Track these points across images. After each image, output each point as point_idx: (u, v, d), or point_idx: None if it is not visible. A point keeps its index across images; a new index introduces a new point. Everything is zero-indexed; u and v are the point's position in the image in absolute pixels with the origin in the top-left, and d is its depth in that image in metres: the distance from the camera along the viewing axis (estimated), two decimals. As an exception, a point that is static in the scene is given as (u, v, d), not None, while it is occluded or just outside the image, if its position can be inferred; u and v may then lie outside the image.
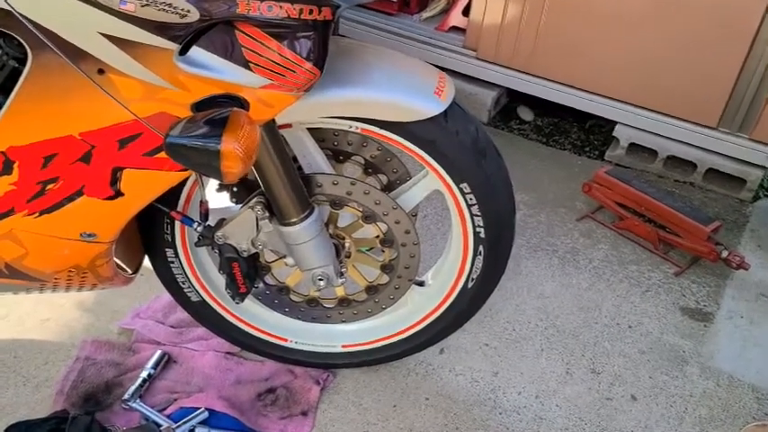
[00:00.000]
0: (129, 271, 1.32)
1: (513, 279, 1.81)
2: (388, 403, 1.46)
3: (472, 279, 1.32)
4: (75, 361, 1.47)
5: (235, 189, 1.30)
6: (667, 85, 2.16)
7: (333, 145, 1.30)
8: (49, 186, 0.97)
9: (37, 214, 1.01)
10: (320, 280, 1.24)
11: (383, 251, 1.31)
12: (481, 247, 1.28)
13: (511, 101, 2.65)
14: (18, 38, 0.83)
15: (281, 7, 0.86)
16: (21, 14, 0.79)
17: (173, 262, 1.33)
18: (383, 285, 1.35)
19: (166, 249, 1.31)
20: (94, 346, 1.51)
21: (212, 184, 1.30)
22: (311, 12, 0.89)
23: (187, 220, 1.22)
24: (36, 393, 1.41)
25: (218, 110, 0.87)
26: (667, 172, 2.30)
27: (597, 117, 2.40)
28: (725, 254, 1.84)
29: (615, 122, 2.33)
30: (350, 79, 1.06)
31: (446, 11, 2.65)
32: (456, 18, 2.58)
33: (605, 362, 1.60)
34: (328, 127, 1.21)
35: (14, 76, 0.88)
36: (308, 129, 1.22)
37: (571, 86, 2.34)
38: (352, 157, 1.33)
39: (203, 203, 1.21)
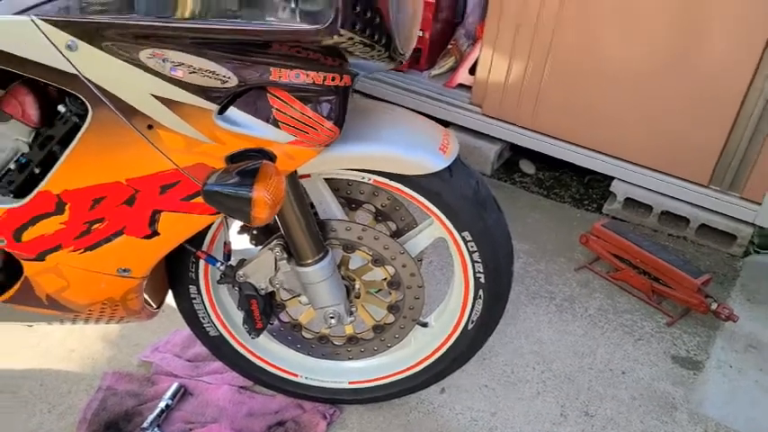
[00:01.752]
0: (154, 306, 1.42)
1: (511, 324, 1.90)
2: (391, 439, 1.54)
3: (472, 321, 1.42)
4: (97, 391, 1.56)
5: (254, 232, 1.42)
6: (662, 145, 2.29)
7: (346, 194, 1.42)
8: (95, 226, 1.09)
9: (81, 250, 1.12)
10: (331, 318, 1.34)
11: (390, 293, 1.41)
12: (481, 291, 1.38)
13: (514, 154, 2.78)
14: (81, 97, 0.96)
15: (307, 75, 0.99)
16: (86, 78, 0.93)
17: (195, 298, 1.44)
18: (389, 325, 1.45)
19: (190, 286, 1.42)
20: (116, 377, 1.60)
21: (234, 226, 1.41)
22: (333, 79, 1.02)
23: (211, 260, 1.34)
24: (60, 421, 1.50)
25: (250, 162, 1.00)
26: (662, 226, 2.41)
27: (596, 172, 2.52)
28: (714, 306, 1.93)
29: (612, 178, 2.45)
30: (364, 136, 1.18)
31: (454, 69, 2.82)
32: (463, 76, 2.74)
33: (598, 405, 1.68)
34: (343, 177, 1.34)
35: (74, 129, 1.01)
36: (325, 179, 1.34)
37: (571, 143, 2.48)
38: (364, 206, 1.45)
39: (227, 244, 1.33)
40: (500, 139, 2.66)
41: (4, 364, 1.62)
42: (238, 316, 1.50)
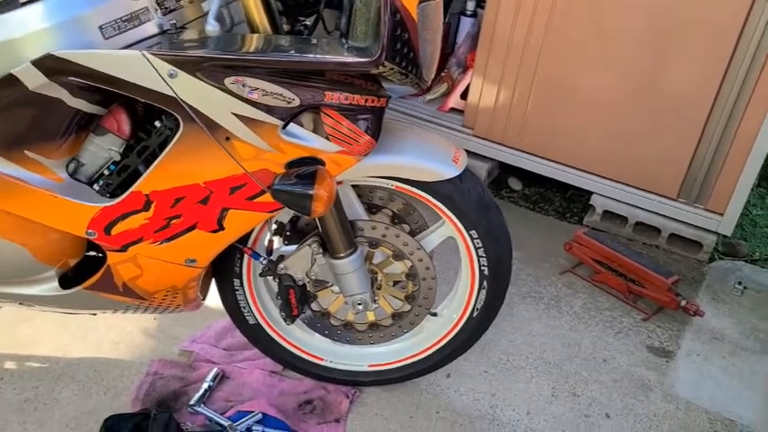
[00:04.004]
0: (201, 297, 1.64)
1: (507, 320, 2.14)
2: (405, 415, 1.76)
3: (477, 309, 1.66)
4: (145, 375, 1.76)
5: (287, 233, 1.64)
6: (636, 162, 2.57)
7: (368, 199, 1.65)
8: (173, 221, 1.31)
9: (159, 242, 1.34)
10: (359, 304, 1.58)
11: (407, 284, 1.64)
12: (485, 282, 1.62)
13: (502, 172, 3.05)
14: (175, 114, 1.19)
15: (353, 97, 1.24)
16: (181, 99, 1.16)
17: (238, 290, 1.66)
18: (406, 313, 1.68)
19: (234, 279, 1.64)
20: (161, 364, 1.80)
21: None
22: (373, 100, 1.27)
23: (255, 255, 1.56)
24: (115, 400, 1.70)
25: (306, 167, 1.24)
26: (636, 236, 2.68)
27: (576, 187, 2.79)
28: (683, 303, 2.19)
29: (592, 192, 2.72)
30: (390, 149, 1.42)
31: (446, 94, 3.08)
32: (455, 101, 3.01)
33: (584, 387, 1.92)
34: (367, 184, 1.57)
35: (165, 141, 1.24)
36: (352, 185, 1.58)
37: (554, 161, 2.74)
38: (383, 210, 1.69)
39: (270, 242, 1.56)
40: (490, 158, 2.91)
41: (62, 354, 1.82)
42: (273, 306, 1.72)
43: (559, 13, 2.49)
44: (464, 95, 2.94)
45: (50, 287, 1.43)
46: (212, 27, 1.09)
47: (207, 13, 1.31)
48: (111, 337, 1.89)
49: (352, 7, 1.20)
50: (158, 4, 1.23)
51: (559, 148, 2.71)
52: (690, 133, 2.43)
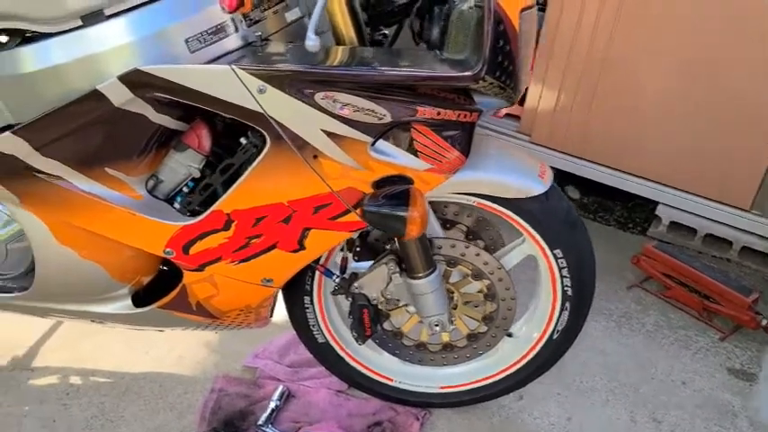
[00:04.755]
0: (270, 314, 1.59)
1: (577, 339, 2.04)
2: (479, 439, 1.69)
3: (557, 331, 1.58)
4: (210, 392, 1.72)
5: (358, 248, 1.58)
6: (706, 171, 2.45)
7: (441, 214, 1.59)
8: (253, 241, 1.26)
9: (236, 262, 1.29)
10: (436, 326, 1.50)
11: (485, 304, 1.57)
12: (567, 303, 1.54)
13: (560, 180, 2.95)
14: (262, 131, 1.13)
15: (445, 113, 1.17)
16: (269, 115, 1.11)
17: (307, 308, 1.60)
18: (482, 334, 1.61)
19: (305, 297, 1.58)
20: (226, 380, 1.76)
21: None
22: (465, 115, 1.20)
23: (328, 273, 1.50)
24: (182, 419, 1.65)
25: (395, 187, 1.17)
26: (706, 248, 2.56)
27: (640, 197, 2.69)
28: (764, 322, 2.07)
29: (656, 202, 2.61)
30: (474, 164, 1.34)
31: (502, 100, 3.00)
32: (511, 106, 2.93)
33: (664, 412, 1.82)
34: (443, 200, 1.50)
35: (249, 158, 1.19)
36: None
37: (617, 169, 2.64)
38: (456, 225, 1.61)
39: (344, 259, 1.50)
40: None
41: (125, 369, 1.79)
42: (341, 324, 1.66)
43: (625, 17, 2.39)
44: (520, 102, 2.86)
45: (124, 305, 1.39)
46: (313, 42, 1.02)
47: (290, 24, 1.26)
48: (174, 352, 1.85)
49: (446, 17, 1.14)
50: (243, 16, 1.17)
51: (623, 156, 2.60)
52: (765, 141, 2.31)
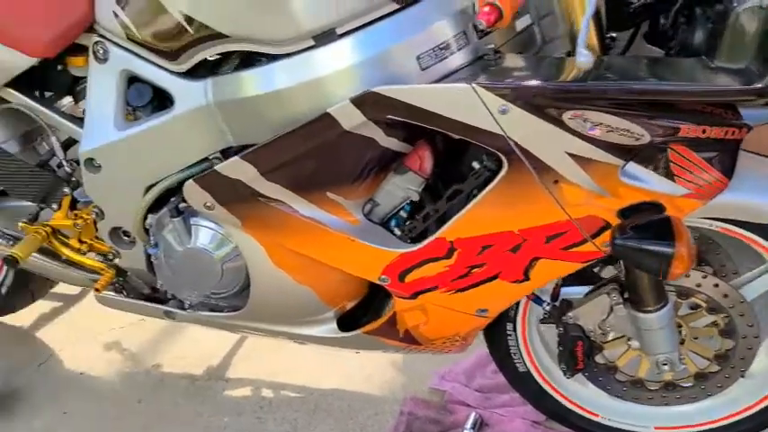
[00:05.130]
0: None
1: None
2: (700, 490, 1.49)
3: (806, 375, 1.35)
4: (400, 414, 1.66)
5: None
6: None
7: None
8: (475, 270, 1.16)
9: (452, 291, 1.20)
10: (664, 364, 1.33)
11: (721, 342, 1.37)
12: (823, 344, 1.31)
13: None
14: (499, 154, 1.03)
15: (711, 130, 1.00)
16: (509, 138, 1.00)
17: (510, 335, 1.48)
18: (713, 373, 1.41)
19: (507, 323, 1.46)
20: (415, 403, 1.69)
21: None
22: (733, 133, 1.02)
23: (538, 300, 1.38)
24: (372, 442, 1.61)
25: (648, 215, 1.02)
26: None
27: None
28: None
29: None
30: (731, 186, 1.16)
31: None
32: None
33: None
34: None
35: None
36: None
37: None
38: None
39: (557, 286, 1.36)
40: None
41: (315, 385, 1.77)
42: (544, 353, 1.53)
43: None
44: None
45: (329, 329, 1.36)
46: (585, 59, 0.89)
47: (519, 33, 1.14)
48: (364, 371, 1.81)
49: (716, 19, 0.97)
50: (474, 27, 1.07)
51: None
52: None
